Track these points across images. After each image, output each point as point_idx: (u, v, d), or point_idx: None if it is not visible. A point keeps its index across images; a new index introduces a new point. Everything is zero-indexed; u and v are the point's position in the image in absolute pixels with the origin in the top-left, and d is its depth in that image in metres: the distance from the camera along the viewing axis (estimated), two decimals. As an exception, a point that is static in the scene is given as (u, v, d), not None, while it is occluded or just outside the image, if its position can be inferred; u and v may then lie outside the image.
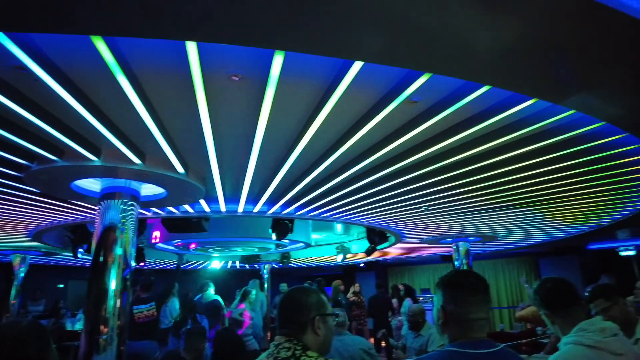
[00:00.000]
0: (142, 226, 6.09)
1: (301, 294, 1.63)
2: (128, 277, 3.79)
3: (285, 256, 10.42)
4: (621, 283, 3.51)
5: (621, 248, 12.16)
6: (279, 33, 1.83)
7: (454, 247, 8.73)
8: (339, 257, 9.82)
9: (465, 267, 8.52)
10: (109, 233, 3.77)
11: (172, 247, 8.42)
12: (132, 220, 3.92)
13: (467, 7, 1.75)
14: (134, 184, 3.92)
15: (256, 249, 8.87)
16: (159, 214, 5.58)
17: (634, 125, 3.01)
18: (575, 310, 1.88)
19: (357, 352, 3.46)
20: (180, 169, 3.68)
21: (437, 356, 1.44)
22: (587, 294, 2.51)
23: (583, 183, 4.57)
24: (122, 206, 3.86)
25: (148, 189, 4.16)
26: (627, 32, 1.96)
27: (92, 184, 4.12)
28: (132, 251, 3.86)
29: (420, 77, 2.30)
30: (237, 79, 2.34)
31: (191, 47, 1.96)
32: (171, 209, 5.40)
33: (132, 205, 3.96)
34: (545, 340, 5.65)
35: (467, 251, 8.66)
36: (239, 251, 9.03)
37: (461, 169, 3.92)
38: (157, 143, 3.11)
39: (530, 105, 2.68)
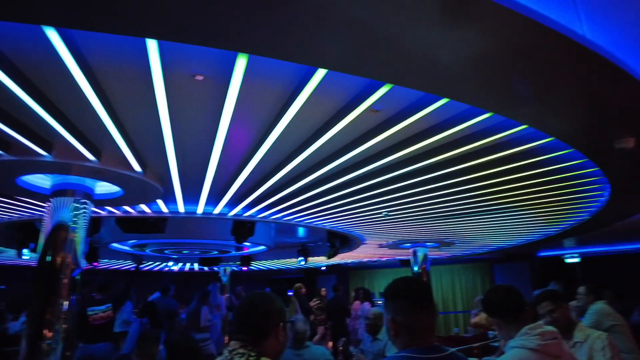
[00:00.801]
0: (96, 225, 5.84)
1: (267, 300, 1.60)
2: (78, 278, 3.62)
3: (246, 259, 10.30)
4: (566, 288, 3.72)
5: (567, 255, 12.89)
6: (242, 36, 1.82)
7: (412, 252, 8.94)
8: (301, 260, 9.81)
9: (423, 272, 8.75)
10: (59, 232, 3.60)
11: (127, 248, 8.12)
12: (84, 219, 3.76)
13: (430, 23, 1.80)
14: (88, 182, 3.76)
15: (216, 252, 8.72)
16: (114, 213, 5.38)
17: (579, 143, 3.21)
18: (520, 316, 1.98)
19: None
20: (137, 167, 3.56)
21: (392, 361, 1.47)
22: (535, 297, 2.67)
23: (534, 194, 4.81)
24: (74, 204, 3.69)
25: (103, 187, 4.01)
26: (574, 58, 2.09)
27: (41, 180, 3.92)
28: (82, 251, 3.69)
29: (382, 87, 2.35)
30: (200, 78, 2.30)
31: (151, 45, 1.92)
32: (127, 208, 5.22)
33: (85, 203, 3.79)
34: (496, 344, 5.88)
35: (425, 256, 8.89)
36: (198, 253, 8.85)
37: (420, 177, 4.04)
38: (114, 140, 3.00)
39: (486, 118, 2.80)
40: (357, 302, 9.62)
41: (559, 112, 2.73)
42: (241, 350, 1.47)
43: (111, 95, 2.49)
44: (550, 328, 1.94)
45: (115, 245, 7.72)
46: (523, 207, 5.50)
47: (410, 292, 1.52)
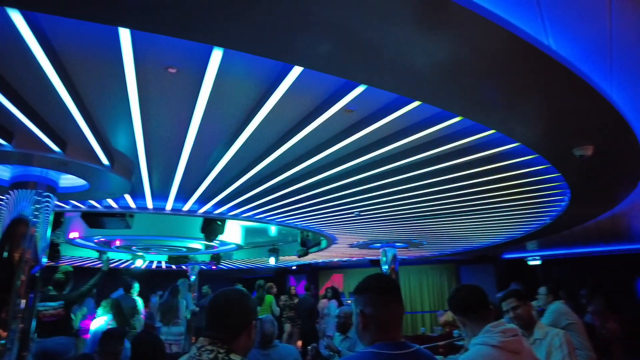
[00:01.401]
0: (59, 220, 5.62)
1: (242, 297, 1.59)
2: (37, 275, 3.47)
3: (216, 257, 10.15)
4: (528, 289, 3.89)
5: (529, 258, 13.41)
6: (219, 29, 1.80)
7: (382, 252, 9.06)
8: (271, 260, 9.76)
9: (391, 272, 8.88)
10: (18, 226, 3.43)
11: (91, 244, 7.85)
12: (46, 213, 3.61)
13: (405, 27, 1.84)
14: (52, 174, 3.61)
15: (184, 249, 8.56)
16: (79, 207, 5.19)
17: (543, 149, 3.35)
18: (484, 314, 2.05)
19: None
20: (104, 160, 3.45)
21: (358, 357, 1.49)
22: (501, 295, 2.85)
23: (499, 197, 4.98)
24: (35, 197, 3.54)
25: (67, 180, 3.86)
26: (540, 68, 2.18)
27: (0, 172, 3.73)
28: (43, 247, 3.54)
29: (356, 88, 2.38)
30: (173, 71, 2.26)
31: (124, 34, 1.87)
32: (93, 202, 5.05)
33: (48, 196, 3.64)
34: (461, 343, 6.04)
35: (394, 256, 9.04)
36: (166, 250, 8.66)
37: (391, 178, 4.10)
38: (81, 131, 2.90)
39: (456, 122, 2.88)
40: (324, 300, 9.68)
41: (525, 119, 2.84)
42: (210, 347, 1.46)
43: (79, 85, 2.41)
44: (511, 325, 2.02)
45: (79, 241, 7.46)
46: (489, 209, 5.68)
47: (379, 287, 1.57)
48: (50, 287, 5.18)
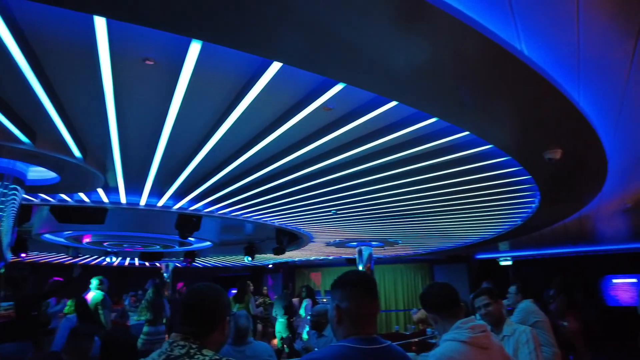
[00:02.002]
0: (27, 214, 5.43)
1: (216, 293, 1.58)
2: (2, 271, 3.35)
3: (190, 254, 10.02)
4: (499, 288, 4.03)
5: (501, 258, 13.78)
6: (198, 22, 1.78)
7: (358, 250, 9.14)
8: (248, 257, 9.71)
9: (367, 271, 8.96)
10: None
11: (62, 240, 7.62)
12: (12, 206, 3.49)
13: (383, 28, 1.86)
14: (19, 165, 3.49)
15: (158, 246, 8.41)
16: (49, 201, 5.04)
17: (514, 151, 3.45)
18: (455, 311, 2.10)
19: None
20: (77, 153, 3.37)
21: (331, 351, 1.51)
22: (473, 294, 2.95)
23: (473, 198, 5.10)
24: (0, 189, 3.41)
25: (37, 173, 3.74)
26: (513, 72, 2.25)
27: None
28: (8, 241, 3.42)
29: (335, 86, 2.39)
30: (151, 63, 2.22)
31: (100, 23, 1.83)
32: (64, 196, 4.91)
33: (15, 189, 3.52)
34: (434, 341, 6.17)
35: (370, 255, 9.13)
36: (139, 247, 8.49)
37: (367, 177, 4.15)
38: (52, 122, 2.82)
39: (431, 123, 2.94)
40: (296, 300, 9.66)
41: (498, 122, 2.93)
42: (182, 343, 1.46)
43: (51, 74, 2.34)
44: (480, 322, 2.08)
45: (47, 236, 7.22)
46: (462, 210, 5.81)
47: (357, 282, 1.59)
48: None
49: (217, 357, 1.45)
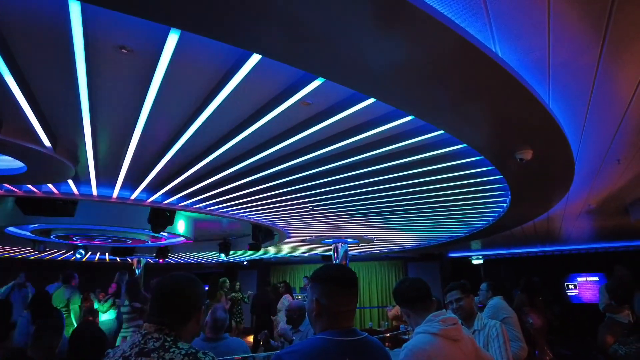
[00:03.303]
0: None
1: (191, 283, 1.55)
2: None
3: (162, 250, 9.85)
4: (471, 285, 4.18)
5: (473, 257, 14.14)
6: (177, 10, 1.75)
7: (334, 247, 9.20)
8: (222, 254, 9.62)
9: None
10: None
11: (27, 233, 7.35)
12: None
13: (361, 25, 1.87)
14: (-17, 154, 3.35)
15: (129, 241, 8.22)
16: (14, 192, 4.85)
17: (487, 150, 3.54)
18: (427, 304, 2.15)
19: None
20: (46, 142, 3.25)
21: (309, 343, 1.52)
22: (446, 288, 3.08)
23: (446, 197, 5.21)
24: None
25: (3, 162, 3.60)
26: (490, 73, 2.31)
27: None
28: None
29: (314, 81, 2.40)
30: (126, 51, 2.17)
31: (74, 7, 1.77)
32: (31, 187, 4.73)
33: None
34: (407, 337, 6.29)
35: (346, 252, 9.21)
36: (110, 242, 8.28)
37: (344, 173, 4.18)
38: (20, 108, 2.71)
39: (407, 121, 2.99)
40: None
41: (471, 121, 2.99)
42: (156, 335, 1.41)
43: (19, 57, 2.25)
44: (451, 315, 2.14)
45: (11, 229, 6.96)
46: (436, 208, 5.92)
47: (337, 277, 1.59)
48: None
49: (193, 351, 1.41)
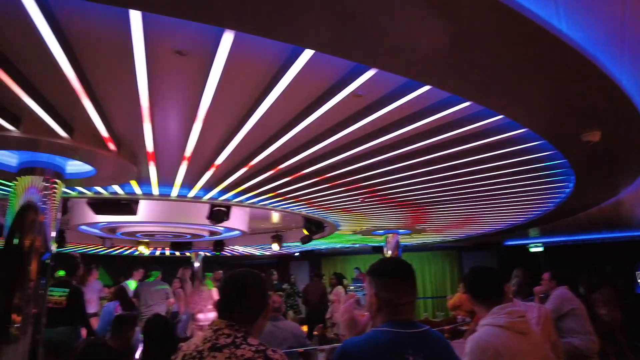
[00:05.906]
0: (65, 206, 5.65)
1: (257, 279, 1.58)
2: (48, 261, 3.50)
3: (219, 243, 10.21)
4: (531, 275, 3.98)
5: (531, 245, 13.47)
6: (228, 11, 1.78)
7: (385, 238, 9.10)
8: (275, 246, 9.81)
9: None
10: (27, 213, 3.46)
11: (96, 231, 7.89)
12: (54, 199, 3.63)
13: (412, 9, 1.81)
14: (59, 160, 3.62)
15: (188, 235, 8.60)
16: (85, 193, 5.22)
17: (549, 134, 3.34)
18: (495, 295, 2.08)
19: (288, 335, 3.55)
20: (112, 146, 3.46)
21: (372, 335, 1.53)
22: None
23: (505, 184, 4.98)
24: (43, 183, 3.55)
25: (74, 166, 3.87)
26: (550, 51, 2.16)
27: (7, 158, 3.74)
28: (53, 234, 3.57)
29: (366, 72, 2.37)
30: (184, 54, 2.25)
31: (135, 17, 1.86)
32: (99, 189, 5.07)
33: (55, 182, 3.66)
34: (465, 328, 6.13)
35: (397, 243, 9.08)
36: (170, 237, 8.71)
37: (397, 164, 4.10)
38: (88, 116, 2.90)
39: (463, 107, 2.87)
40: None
41: (533, 104, 2.83)
42: (227, 331, 1.45)
43: (87, 68, 2.39)
44: (517, 308, 2.05)
45: (84, 227, 7.49)
46: (494, 195, 5.68)
47: (394, 270, 1.59)
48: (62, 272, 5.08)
49: (262, 347, 1.43)
